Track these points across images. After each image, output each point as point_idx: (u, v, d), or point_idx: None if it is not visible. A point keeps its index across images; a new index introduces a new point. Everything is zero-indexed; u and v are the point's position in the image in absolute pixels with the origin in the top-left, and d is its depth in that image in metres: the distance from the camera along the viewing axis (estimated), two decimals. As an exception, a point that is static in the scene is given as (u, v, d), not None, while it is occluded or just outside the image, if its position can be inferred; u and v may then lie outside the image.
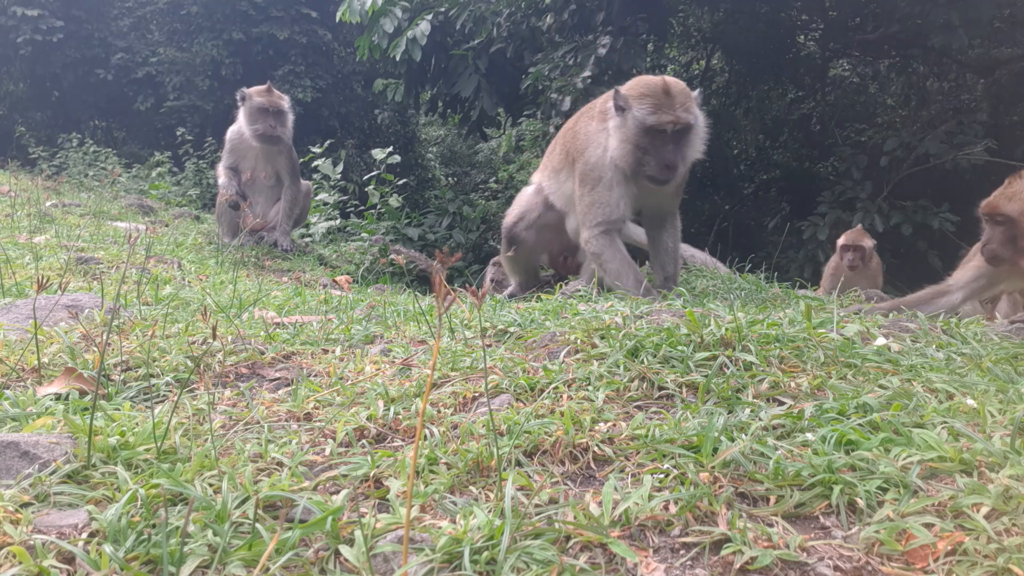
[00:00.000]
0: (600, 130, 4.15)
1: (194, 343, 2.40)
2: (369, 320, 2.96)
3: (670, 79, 4.10)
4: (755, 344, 2.13)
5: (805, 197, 12.46)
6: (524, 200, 4.85)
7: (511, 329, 2.55)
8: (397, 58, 11.92)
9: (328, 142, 12.24)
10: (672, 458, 1.55)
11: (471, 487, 1.50)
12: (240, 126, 6.84)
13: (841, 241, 6.84)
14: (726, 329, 2.19)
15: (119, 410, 1.81)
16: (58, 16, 17.63)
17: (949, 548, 1.24)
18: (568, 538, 1.30)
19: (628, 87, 4.09)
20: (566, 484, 1.53)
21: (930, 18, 9.94)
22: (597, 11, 11.37)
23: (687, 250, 6.01)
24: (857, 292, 4.93)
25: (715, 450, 1.54)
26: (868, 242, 6.75)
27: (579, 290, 3.84)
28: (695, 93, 4.10)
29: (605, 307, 2.83)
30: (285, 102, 6.83)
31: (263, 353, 2.35)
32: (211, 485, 1.45)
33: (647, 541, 1.32)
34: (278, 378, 2.21)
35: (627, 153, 3.98)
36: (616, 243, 4.18)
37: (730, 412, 1.77)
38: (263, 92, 6.72)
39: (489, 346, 2.43)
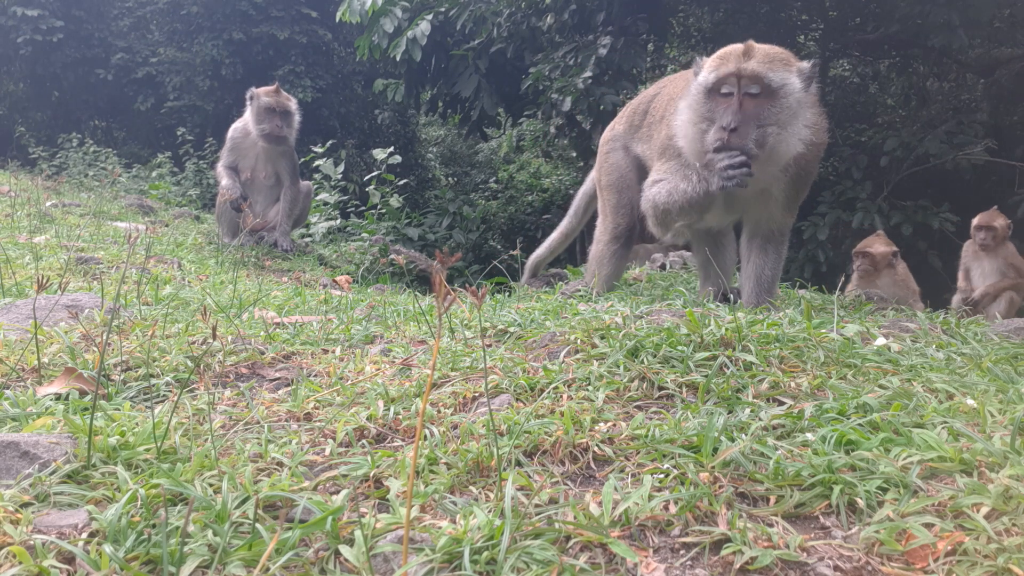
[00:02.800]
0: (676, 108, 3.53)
1: (194, 343, 2.40)
2: (369, 320, 2.96)
3: (763, 45, 3.32)
4: (755, 344, 2.13)
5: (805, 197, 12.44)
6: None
7: (511, 329, 2.55)
8: (397, 58, 11.93)
9: (330, 143, 12.25)
10: (672, 458, 1.55)
11: (471, 487, 1.50)
12: (245, 124, 6.88)
13: (855, 249, 6.51)
14: (726, 329, 2.19)
15: (119, 410, 1.81)
16: (58, 16, 17.63)
17: (949, 548, 1.24)
18: (568, 538, 1.30)
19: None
20: (566, 484, 1.53)
21: (930, 18, 9.93)
22: (597, 11, 11.37)
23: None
24: (858, 293, 4.93)
25: (715, 450, 1.54)
26: (879, 248, 6.34)
27: (579, 290, 3.84)
28: (804, 64, 3.30)
29: (605, 307, 2.83)
30: (292, 103, 6.91)
31: (263, 353, 2.35)
32: (211, 485, 1.45)
33: (647, 541, 1.32)
34: (278, 378, 2.21)
35: (688, 126, 3.34)
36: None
37: (730, 412, 1.77)
38: (271, 92, 6.79)
39: (489, 346, 2.43)
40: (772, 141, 3.19)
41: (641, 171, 4.20)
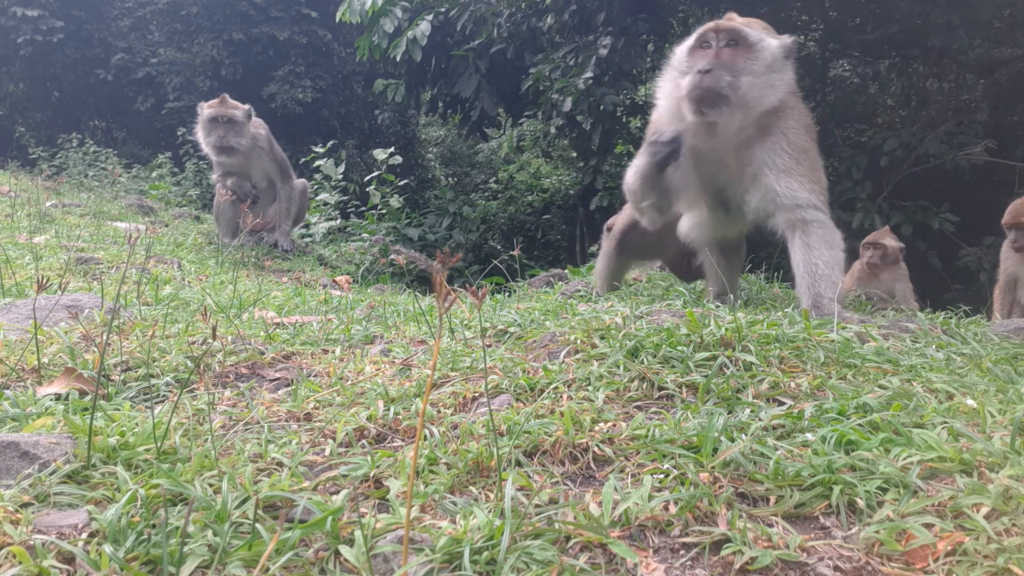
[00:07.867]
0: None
1: (194, 343, 2.40)
2: (369, 320, 2.96)
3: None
4: (755, 344, 2.13)
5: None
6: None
7: (511, 329, 2.54)
8: (397, 58, 11.94)
9: (330, 143, 12.27)
10: (672, 458, 1.55)
11: (471, 487, 1.49)
12: None
13: (865, 240, 6.79)
14: (726, 329, 2.19)
15: (119, 410, 1.81)
16: (58, 16, 17.65)
17: (949, 548, 1.24)
18: (568, 538, 1.30)
19: None
20: (566, 484, 1.53)
21: (930, 18, 9.94)
22: (597, 11, 11.38)
23: None
24: (857, 293, 4.93)
25: (715, 450, 1.54)
26: (891, 242, 6.71)
27: (579, 290, 3.84)
28: (785, 37, 3.35)
29: (605, 307, 2.83)
30: (239, 111, 6.56)
31: (263, 353, 2.35)
32: (211, 485, 1.45)
33: (647, 541, 1.32)
34: (278, 378, 2.21)
35: (666, 84, 3.39)
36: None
37: (730, 412, 1.77)
38: (214, 104, 6.55)
39: (489, 346, 2.43)
40: (746, 86, 3.16)
41: None
